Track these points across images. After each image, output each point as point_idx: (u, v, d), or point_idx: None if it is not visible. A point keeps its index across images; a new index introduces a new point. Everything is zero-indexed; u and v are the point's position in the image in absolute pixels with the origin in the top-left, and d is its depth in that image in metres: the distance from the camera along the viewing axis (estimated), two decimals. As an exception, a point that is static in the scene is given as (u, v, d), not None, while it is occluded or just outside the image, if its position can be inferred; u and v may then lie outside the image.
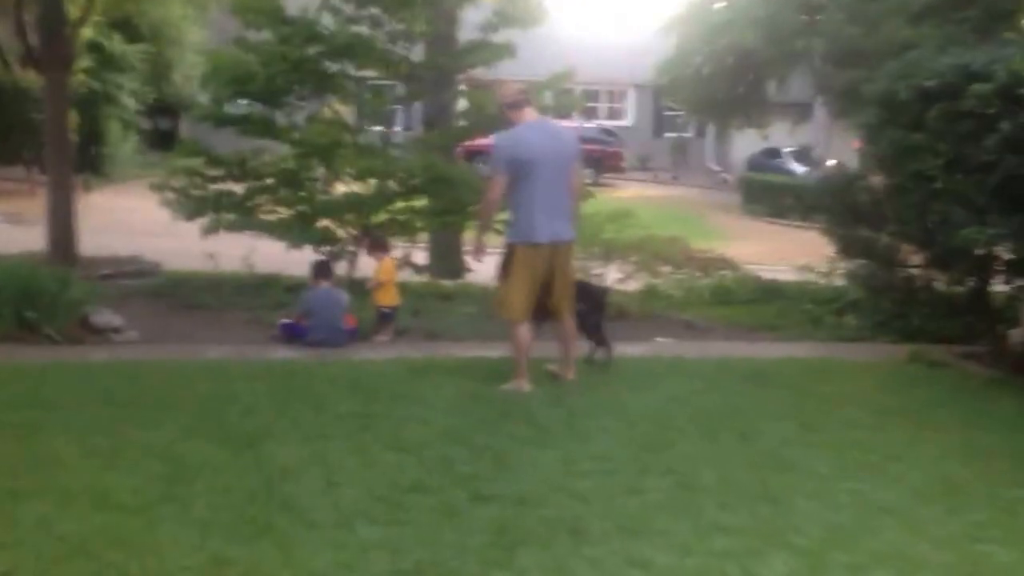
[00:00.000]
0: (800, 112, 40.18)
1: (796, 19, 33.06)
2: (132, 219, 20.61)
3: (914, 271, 11.94)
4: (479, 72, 14.65)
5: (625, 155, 44.46)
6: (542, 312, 8.41)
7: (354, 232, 13.15)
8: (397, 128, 14.38)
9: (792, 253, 25.07)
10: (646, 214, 13.35)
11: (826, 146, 36.62)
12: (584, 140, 35.73)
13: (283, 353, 9.64)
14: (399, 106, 14.86)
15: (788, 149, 42.09)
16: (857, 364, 10.22)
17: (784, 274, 15.88)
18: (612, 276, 13.13)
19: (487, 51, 13.67)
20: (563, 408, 7.80)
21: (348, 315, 10.33)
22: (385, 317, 10.67)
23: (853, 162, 39.67)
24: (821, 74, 34.71)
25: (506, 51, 13.54)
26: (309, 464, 6.16)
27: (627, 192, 37.88)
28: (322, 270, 10.68)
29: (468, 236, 15.55)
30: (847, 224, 12.45)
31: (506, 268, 8.27)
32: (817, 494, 6.09)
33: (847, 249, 12.52)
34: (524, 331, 8.31)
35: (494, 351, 9.60)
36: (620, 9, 49.16)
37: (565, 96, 14.00)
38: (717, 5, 35.96)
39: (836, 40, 30.52)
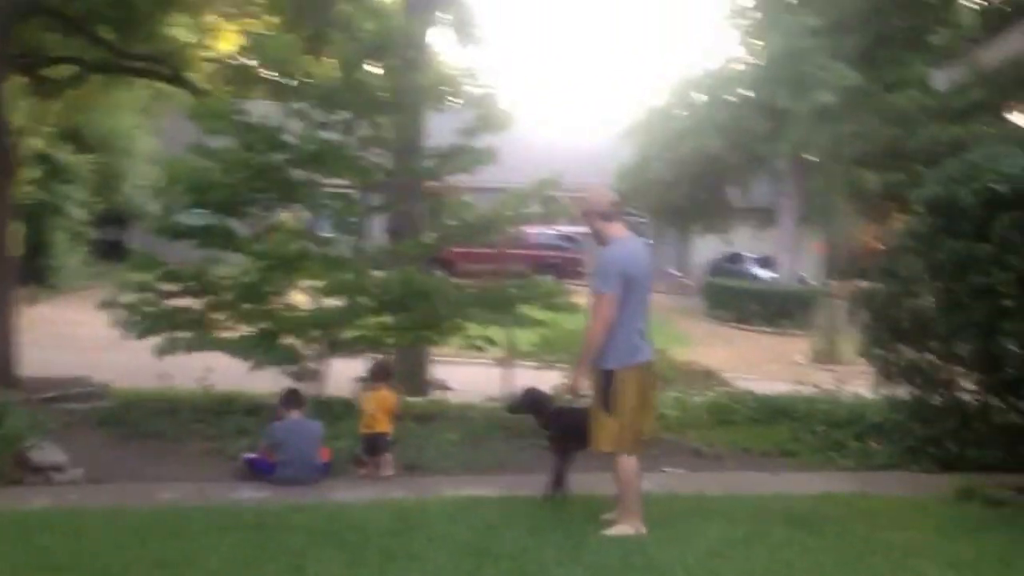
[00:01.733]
0: (762, 217, 39.79)
1: (760, 124, 32.92)
2: (79, 333, 19.36)
3: (965, 395, 10.79)
4: (454, 179, 13.75)
5: (584, 261, 43.72)
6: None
7: (319, 349, 12.07)
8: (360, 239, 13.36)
9: (760, 358, 24.52)
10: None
11: (791, 250, 36.11)
12: (543, 246, 35.08)
13: (249, 494, 8.47)
14: (366, 216, 13.84)
15: (750, 255, 41.62)
16: (905, 502, 9.09)
17: (773, 386, 14.86)
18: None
19: (468, 156, 12.77)
20: (582, 567, 6.69)
21: (322, 448, 9.20)
22: (381, 446, 9.46)
23: (815, 266, 39.73)
24: (791, 176, 34.50)
25: (488, 156, 12.66)
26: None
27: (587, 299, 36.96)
28: (293, 399, 9.54)
29: (438, 350, 14.56)
30: (887, 344, 11.20)
31: (607, 397, 7.45)
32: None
33: (887, 371, 11.25)
34: (633, 464, 7.60)
35: (488, 487, 8.55)
36: (579, 115, 49.09)
37: (551, 203, 13.10)
38: (678, 112, 35.77)
39: (872, 141, 30.36)
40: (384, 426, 9.46)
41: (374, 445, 9.41)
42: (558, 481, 8.34)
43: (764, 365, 22.87)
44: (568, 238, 44.91)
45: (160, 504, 7.98)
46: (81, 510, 7.66)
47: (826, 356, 23.42)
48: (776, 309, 32.30)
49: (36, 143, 24.82)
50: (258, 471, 9.00)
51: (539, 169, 14.06)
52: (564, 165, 12.76)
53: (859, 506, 8.83)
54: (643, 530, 7.49)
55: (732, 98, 34.36)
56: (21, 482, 8.59)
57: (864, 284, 12.40)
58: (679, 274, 47.36)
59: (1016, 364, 9.17)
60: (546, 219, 13.76)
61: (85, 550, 6.59)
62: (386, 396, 9.64)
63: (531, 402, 8.70)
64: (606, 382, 7.44)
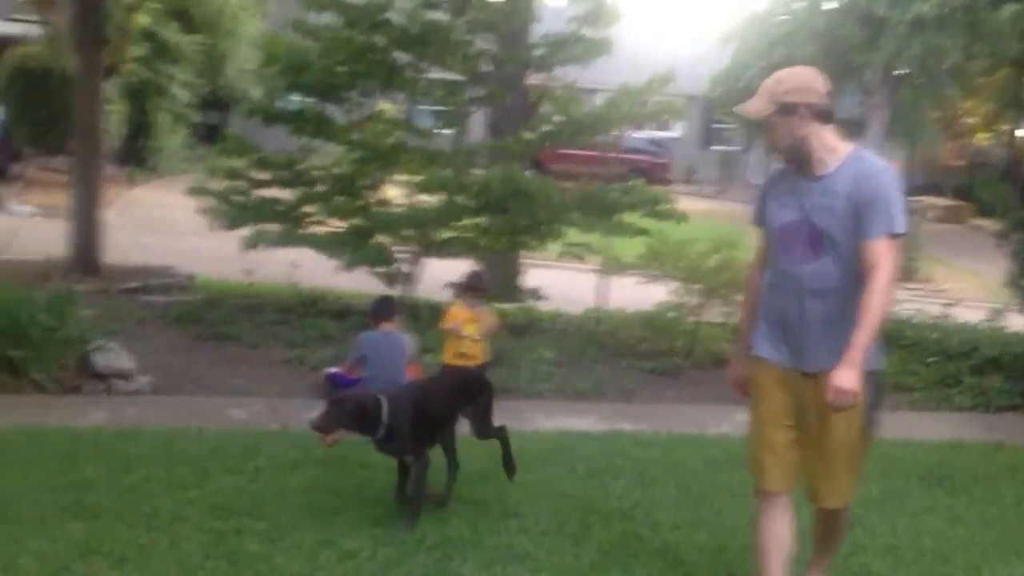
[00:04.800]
0: (852, 129, 37.34)
1: (856, 33, 30.58)
2: (173, 217, 18.13)
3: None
4: (560, 74, 12.02)
5: (672, 167, 41.68)
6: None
7: (413, 249, 10.61)
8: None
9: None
10: (691, 229, 10.64)
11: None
12: (631, 150, 33.23)
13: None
14: (468, 109, 12.11)
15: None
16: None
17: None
18: (712, 316, 10.43)
19: (581, 46, 10.99)
20: (705, 531, 5.17)
21: (412, 364, 7.71)
22: None
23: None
24: (881, 88, 32.32)
25: (603, 47, 10.88)
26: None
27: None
28: (384, 309, 7.95)
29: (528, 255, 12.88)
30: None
31: (872, 418, 4.15)
32: None
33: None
34: None
35: (588, 418, 7.39)
36: (677, 19, 46.57)
37: (665, 103, 11.33)
38: (776, 18, 33.41)
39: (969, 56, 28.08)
40: (477, 358, 7.37)
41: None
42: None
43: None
44: (657, 143, 42.91)
45: (226, 427, 6.58)
46: (135, 432, 6.25)
47: (906, 273, 21.49)
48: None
49: (143, 19, 23.39)
50: (339, 389, 7.59)
51: (636, 72, 12.20)
52: (657, 68, 10.89)
53: (999, 460, 7.30)
54: None
55: (830, 4, 31.93)
56: (80, 390, 7.23)
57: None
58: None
59: None
60: (653, 120, 12.03)
61: (127, 488, 5.18)
62: (482, 316, 7.50)
63: (353, 413, 5.00)
64: (874, 394, 4.08)
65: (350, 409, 4.90)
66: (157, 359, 8.04)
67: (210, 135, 25.21)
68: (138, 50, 23.30)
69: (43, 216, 18.07)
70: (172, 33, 25.15)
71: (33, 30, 22.87)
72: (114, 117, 21.11)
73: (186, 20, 25.80)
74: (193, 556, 4.43)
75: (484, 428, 5.55)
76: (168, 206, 19.17)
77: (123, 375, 7.40)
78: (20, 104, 21.86)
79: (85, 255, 11.47)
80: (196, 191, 10.83)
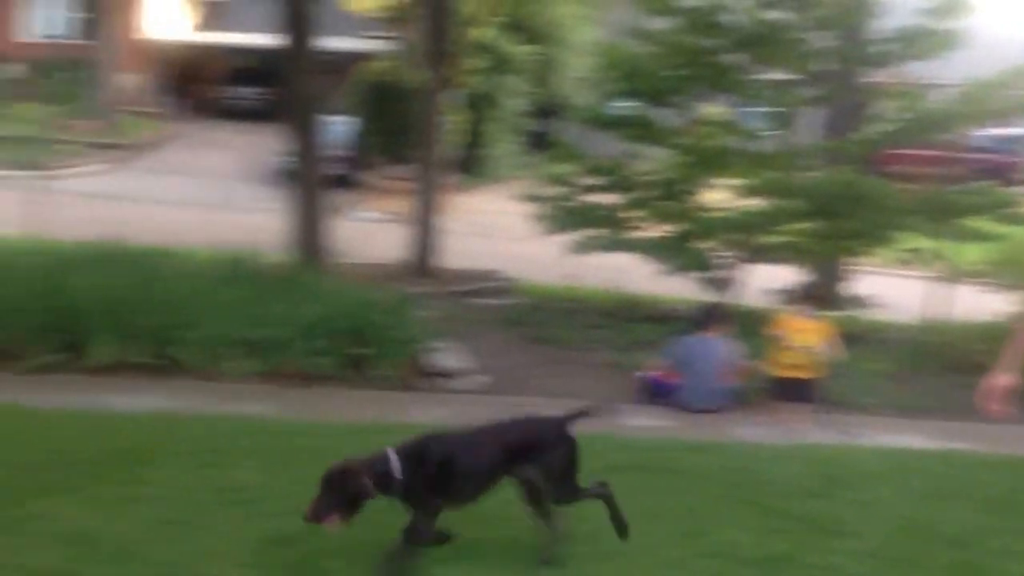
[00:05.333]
0: None
1: None
2: (500, 223, 18.72)
3: None
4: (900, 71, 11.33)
5: (1021, 166, 38.44)
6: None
7: (737, 255, 10.35)
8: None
9: None
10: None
11: None
12: (976, 149, 30.86)
13: (643, 421, 7.03)
14: (799, 109, 11.65)
15: None
16: None
17: None
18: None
19: (927, 40, 10.30)
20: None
21: (730, 370, 7.49)
22: (803, 394, 7.22)
23: None
24: None
25: (954, 41, 10.15)
26: None
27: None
28: (709, 317, 7.80)
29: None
30: None
31: None
32: None
33: None
34: None
35: (923, 436, 6.82)
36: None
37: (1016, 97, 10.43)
38: None
39: None
40: (810, 369, 7.18)
41: (793, 392, 7.19)
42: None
43: None
44: (1006, 139, 39.66)
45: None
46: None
47: None
48: None
49: (484, 33, 24.37)
50: (657, 391, 7.52)
51: (976, 65, 11.22)
52: (1006, 59, 9.96)
53: None
54: None
55: None
56: (415, 387, 7.56)
57: None
58: None
59: None
60: (1004, 116, 11.06)
61: None
62: (819, 328, 7.28)
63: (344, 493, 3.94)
64: None
65: (341, 489, 3.85)
66: (486, 360, 8.29)
67: (537, 142, 25.92)
68: (477, 62, 24.26)
69: (386, 222, 19.20)
70: (509, 45, 26.04)
71: (384, 46, 24.41)
72: (454, 128, 22.12)
73: (522, 32, 26.62)
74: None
75: (563, 491, 4.32)
76: (495, 212, 19.83)
77: (457, 374, 7.68)
78: (371, 116, 23.40)
79: (421, 259, 12.07)
80: (527, 197, 11.12)
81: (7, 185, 17.77)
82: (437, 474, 4.03)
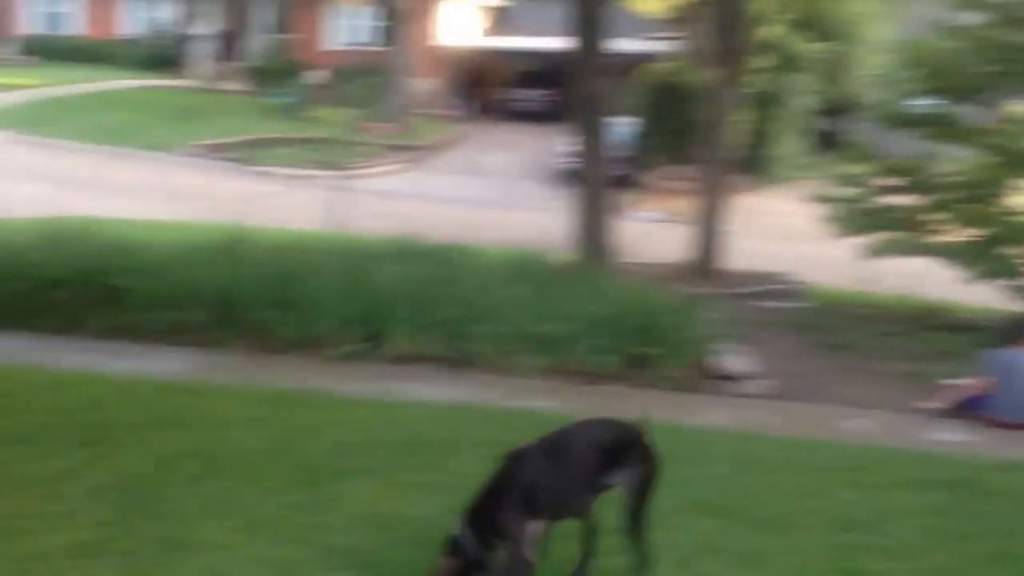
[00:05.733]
0: None
1: None
2: (785, 224, 18.21)
3: None
4: None
5: None
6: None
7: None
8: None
9: None
10: None
11: None
12: None
13: (947, 436, 6.63)
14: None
15: None
16: None
17: None
18: None
19: None
20: None
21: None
22: None
23: None
24: None
25: None
26: None
27: None
28: (1018, 330, 7.29)
29: None
30: None
31: None
32: None
33: None
34: None
35: None
36: None
37: None
38: None
39: None
40: None
41: None
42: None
43: None
44: None
45: (843, 438, 6.36)
46: (757, 435, 6.27)
47: None
48: None
49: (772, 31, 23.82)
50: (967, 404, 7.05)
51: None
52: None
53: None
54: None
55: None
56: (698, 389, 7.43)
57: None
58: None
59: None
60: None
61: (750, 490, 5.12)
62: None
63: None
64: None
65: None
66: (774, 364, 8.06)
67: (826, 142, 25.06)
68: (764, 61, 23.72)
69: (665, 222, 19.11)
70: (797, 43, 25.32)
71: (669, 47, 24.31)
72: (738, 127, 21.74)
73: (810, 29, 25.83)
74: (811, 566, 4.30)
75: (637, 513, 3.79)
76: (782, 213, 19.34)
77: (744, 378, 7.52)
78: (653, 117, 23.36)
79: (704, 260, 11.90)
80: (817, 198, 10.77)
81: (312, 184, 19.02)
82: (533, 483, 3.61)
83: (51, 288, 7.85)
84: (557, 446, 3.73)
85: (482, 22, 34.78)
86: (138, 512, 4.36)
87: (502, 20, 35.29)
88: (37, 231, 9.16)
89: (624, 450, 3.80)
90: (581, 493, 3.77)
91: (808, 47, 25.92)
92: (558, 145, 21.31)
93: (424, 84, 30.14)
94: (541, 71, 32.31)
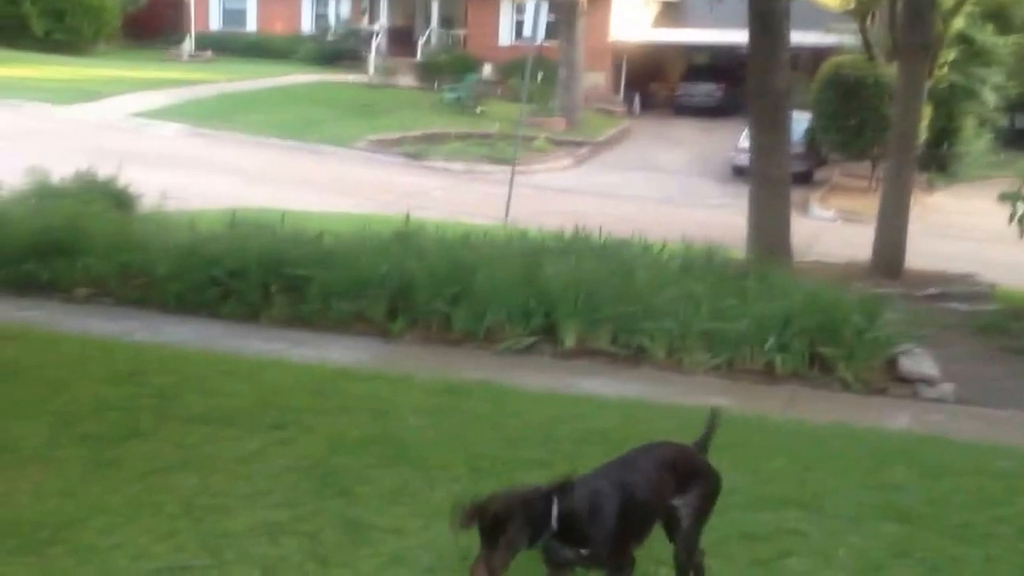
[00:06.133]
0: None
1: None
2: (973, 224, 17.41)
3: None
4: None
5: None
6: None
7: None
8: None
9: None
10: None
11: None
12: None
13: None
14: None
15: None
16: None
17: None
18: None
19: None
20: None
21: None
22: None
23: None
24: None
25: None
26: None
27: None
28: None
29: None
30: None
31: None
32: None
33: None
34: None
35: None
36: None
37: None
38: None
39: None
40: None
41: None
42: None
43: None
44: None
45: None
46: (942, 439, 6.01)
47: None
48: None
49: (957, 23, 22.86)
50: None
51: None
52: None
53: None
54: None
55: None
56: (885, 392, 7.16)
57: None
58: None
59: None
60: None
61: (937, 496, 4.88)
62: None
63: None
64: None
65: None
66: (959, 367, 7.70)
67: (1016, 138, 23.90)
68: (950, 54, 22.77)
69: (844, 220, 18.58)
70: (987, 36, 24.21)
71: (849, 40, 23.61)
72: (922, 124, 20.94)
73: (1002, 21, 24.65)
74: (1002, 576, 4.09)
75: (691, 537, 3.57)
76: (969, 212, 18.52)
77: (928, 381, 7.21)
78: (829, 112, 22.71)
79: (888, 259, 11.49)
80: (1007, 197, 10.25)
81: (483, 179, 19.27)
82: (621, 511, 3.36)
83: (233, 277, 8.18)
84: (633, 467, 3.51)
85: (652, 15, 34.52)
86: (322, 494, 4.47)
87: (672, 13, 34.95)
88: (219, 222, 9.54)
89: (690, 474, 3.58)
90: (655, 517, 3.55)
91: (996, 40, 24.77)
92: (737, 140, 20.93)
93: (594, 79, 30.13)
94: (712, 65, 31.89)
